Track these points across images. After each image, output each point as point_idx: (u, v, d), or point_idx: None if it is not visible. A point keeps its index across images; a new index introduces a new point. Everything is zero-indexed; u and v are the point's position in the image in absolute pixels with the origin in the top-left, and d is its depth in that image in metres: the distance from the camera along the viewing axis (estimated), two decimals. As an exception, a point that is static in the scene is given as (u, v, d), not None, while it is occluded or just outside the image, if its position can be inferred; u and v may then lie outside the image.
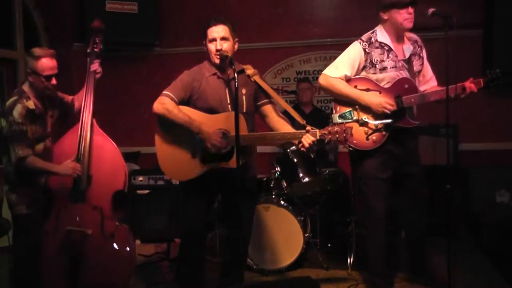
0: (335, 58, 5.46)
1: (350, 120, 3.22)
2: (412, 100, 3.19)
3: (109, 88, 5.38)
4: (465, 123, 4.93)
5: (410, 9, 3.17)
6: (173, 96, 3.01)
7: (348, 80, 3.28)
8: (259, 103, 3.17)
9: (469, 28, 4.99)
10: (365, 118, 3.21)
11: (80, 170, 3.05)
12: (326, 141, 2.89)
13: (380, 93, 3.23)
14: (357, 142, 3.24)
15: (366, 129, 3.23)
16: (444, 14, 2.98)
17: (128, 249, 3.15)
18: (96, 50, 3.36)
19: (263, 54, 5.61)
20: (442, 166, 4.38)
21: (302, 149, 2.92)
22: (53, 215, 3.08)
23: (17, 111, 2.95)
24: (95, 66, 3.30)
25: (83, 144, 3.11)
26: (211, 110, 3.03)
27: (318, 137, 2.88)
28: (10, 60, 5.12)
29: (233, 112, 2.78)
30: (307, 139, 2.87)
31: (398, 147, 3.28)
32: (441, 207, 4.62)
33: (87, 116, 3.17)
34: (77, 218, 3.06)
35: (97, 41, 3.38)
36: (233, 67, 2.81)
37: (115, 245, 3.10)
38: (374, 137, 3.21)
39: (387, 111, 3.16)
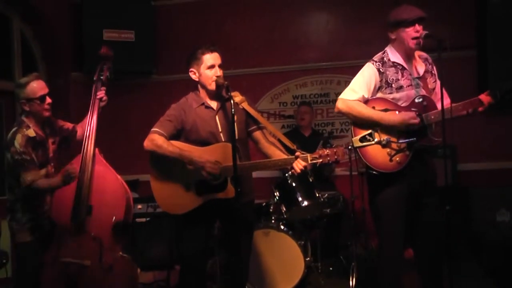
0: (331, 81, 5.48)
1: (372, 142, 3.03)
2: (433, 117, 3.01)
3: (107, 116, 5.34)
4: (464, 143, 4.95)
5: (418, 27, 2.99)
6: (162, 132, 3.02)
7: (365, 101, 3.10)
8: (249, 129, 3.19)
9: (463, 49, 5.07)
10: (387, 139, 3.02)
11: (75, 172, 3.01)
12: (317, 164, 2.88)
13: (399, 112, 3.04)
14: (381, 164, 3.03)
15: (389, 150, 3.02)
16: (437, 37, 2.96)
17: (127, 280, 3.11)
18: (102, 78, 3.33)
19: (259, 79, 5.66)
20: (441, 187, 4.37)
21: (294, 172, 2.91)
22: (54, 244, 3.07)
23: (17, 141, 2.99)
24: (101, 93, 3.29)
25: (84, 174, 3.11)
26: (204, 142, 3.03)
27: (309, 162, 2.87)
28: (8, 92, 5.13)
29: (224, 143, 2.92)
30: (299, 165, 2.87)
31: (421, 170, 3.09)
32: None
33: (89, 146, 3.16)
34: (76, 249, 3.04)
35: (105, 68, 3.34)
36: (229, 93, 2.84)
37: (113, 277, 3.04)
38: (398, 158, 3.00)
39: (413, 125, 2.97)
